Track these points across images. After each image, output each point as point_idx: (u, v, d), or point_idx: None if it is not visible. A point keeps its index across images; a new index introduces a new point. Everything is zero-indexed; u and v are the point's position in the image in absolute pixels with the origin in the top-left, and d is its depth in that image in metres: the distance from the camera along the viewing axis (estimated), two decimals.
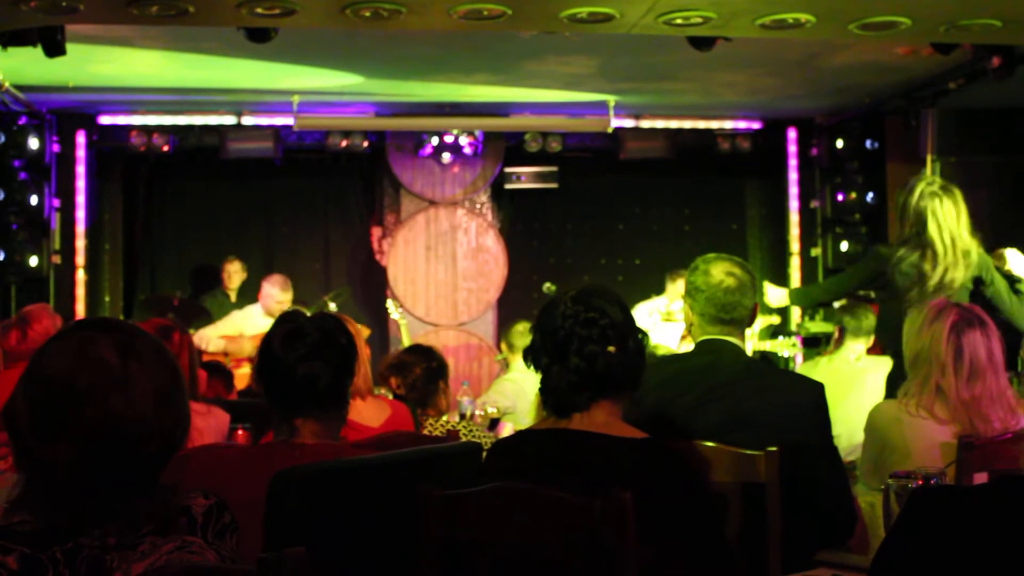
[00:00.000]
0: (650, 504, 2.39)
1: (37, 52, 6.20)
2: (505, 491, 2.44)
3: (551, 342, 2.67)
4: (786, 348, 9.27)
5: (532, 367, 2.74)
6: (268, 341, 2.86)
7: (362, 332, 8.22)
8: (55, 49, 6.17)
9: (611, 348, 2.63)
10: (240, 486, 2.54)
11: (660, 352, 5.67)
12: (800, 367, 8.65)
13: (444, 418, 5.22)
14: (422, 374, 5.09)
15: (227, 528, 1.96)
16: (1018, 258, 5.65)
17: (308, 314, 2.98)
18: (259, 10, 5.52)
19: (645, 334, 2.78)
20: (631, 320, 2.72)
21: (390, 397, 5.11)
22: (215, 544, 1.91)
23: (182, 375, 1.96)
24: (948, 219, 5.21)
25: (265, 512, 2.38)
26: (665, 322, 8.78)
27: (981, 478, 3.38)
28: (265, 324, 8.84)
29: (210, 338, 8.85)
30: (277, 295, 9.07)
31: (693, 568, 2.54)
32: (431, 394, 5.12)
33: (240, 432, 4.48)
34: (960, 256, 5.17)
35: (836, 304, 9.02)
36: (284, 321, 2.89)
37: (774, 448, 3.13)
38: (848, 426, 5.23)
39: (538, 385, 2.77)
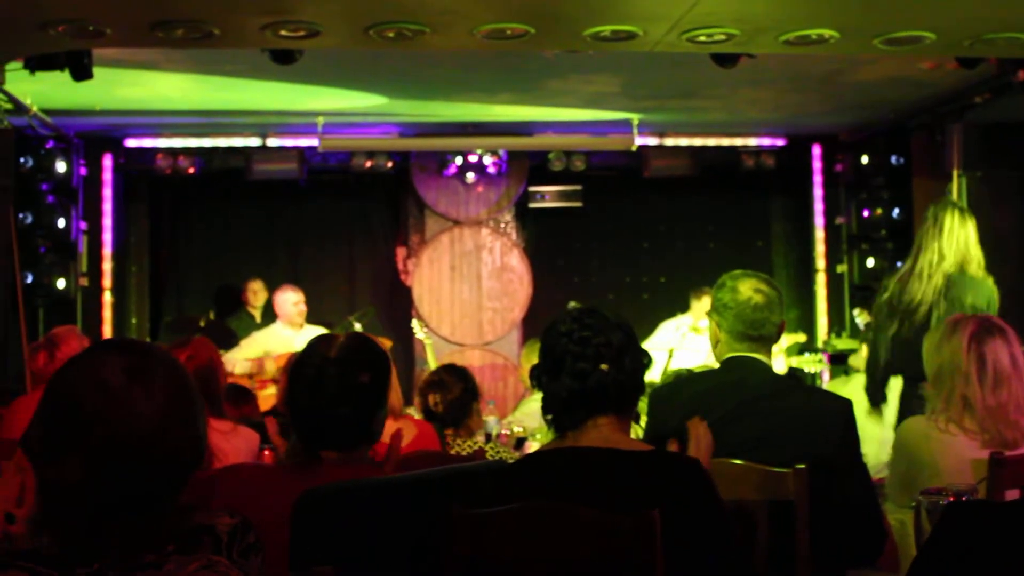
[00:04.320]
0: (661, 514, 2.37)
1: (64, 76, 6.26)
2: (533, 510, 2.43)
3: (549, 360, 2.67)
4: (812, 364, 9.23)
5: (535, 386, 2.74)
6: (292, 385, 2.82)
7: (383, 344, 8.25)
8: (82, 73, 6.22)
9: (604, 366, 2.61)
10: (267, 505, 2.54)
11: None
12: (827, 385, 8.62)
13: (472, 439, 5.21)
14: (460, 394, 5.10)
15: (252, 548, 1.94)
16: None
17: (333, 340, 2.91)
18: (283, 32, 5.54)
19: (648, 355, 2.75)
20: (630, 340, 2.69)
21: (417, 416, 5.11)
22: (240, 563, 1.90)
23: (194, 392, 1.94)
24: (951, 233, 5.17)
25: (291, 530, 2.38)
26: (693, 332, 8.77)
27: (1013, 495, 3.35)
28: (288, 339, 8.86)
29: (236, 361, 8.87)
30: (292, 297, 9.12)
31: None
32: (466, 415, 5.13)
33: (267, 452, 4.50)
34: (936, 273, 5.12)
35: (862, 321, 9.00)
36: (305, 365, 2.81)
37: (802, 465, 3.11)
38: (875, 444, 5.20)
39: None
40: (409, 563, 2.56)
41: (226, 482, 2.81)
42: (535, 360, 6.87)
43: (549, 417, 2.71)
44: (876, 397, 5.40)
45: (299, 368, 2.85)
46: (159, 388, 1.86)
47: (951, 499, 2.47)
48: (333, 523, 2.39)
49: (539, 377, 2.72)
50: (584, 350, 2.62)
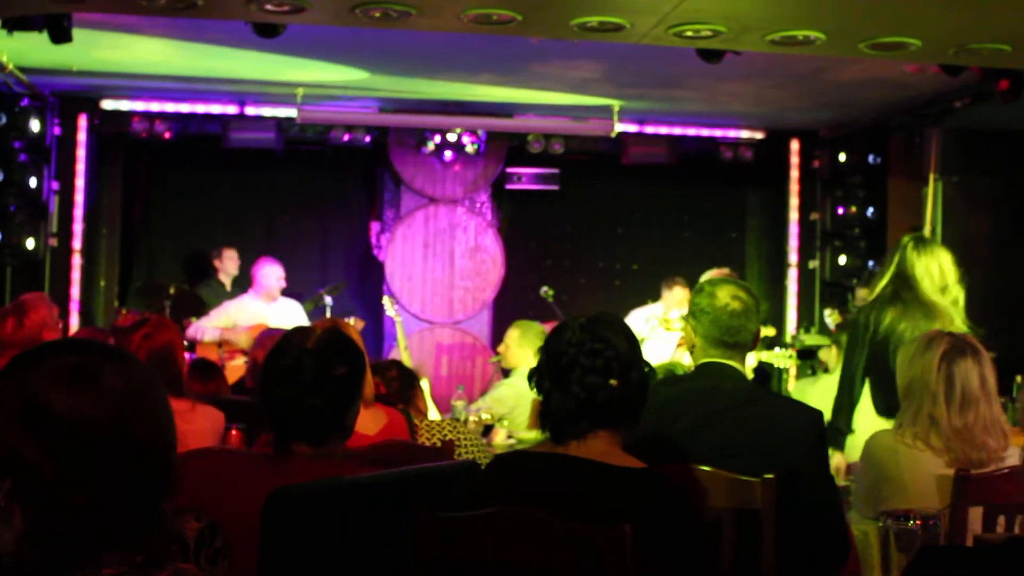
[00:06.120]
0: (645, 534, 2.38)
1: (42, 35, 6.17)
2: (506, 516, 2.43)
3: (555, 367, 2.65)
4: (782, 360, 9.27)
5: (534, 389, 2.73)
6: (267, 375, 2.82)
7: (356, 325, 8.23)
8: (61, 36, 6.14)
9: (613, 381, 2.61)
10: (238, 497, 2.53)
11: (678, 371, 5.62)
12: (795, 385, 8.66)
13: (435, 417, 5.19)
14: (397, 375, 5.11)
15: (219, 552, 1.92)
16: None
17: (310, 332, 2.90)
18: (269, 6, 5.49)
19: (651, 368, 2.76)
20: (637, 353, 2.70)
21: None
22: (208, 570, 1.87)
23: (157, 383, 1.89)
24: (934, 273, 5.08)
25: (261, 531, 2.36)
26: (661, 327, 8.77)
27: (976, 513, 3.38)
28: (259, 311, 8.82)
29: (205, 328, 8.82)
30: (276, 271, 9.07)
31: None
32: (412, 393, 5.14)
33: (234, 432, 4.44)
34: (942, 310, 5.05)
35: (832, 322, 9.04)
36: (281, 354, 2.82)
37: (771, 475, 3.12)
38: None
39: (535, 394, 2.77)
40: (382, 565, 2.55)
41: (194, 469, 2.79)
42: (527, 344, 6.85)
43: (545, 423, 2.70)
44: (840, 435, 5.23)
45: (275, 358, 2.85)
46: (153, 394, 1.83)
47: (918, 522, 2.48)
48: (304, 524, 2.38)
49: (540, 382, 2.71)
50: (595, 363, 2.62)
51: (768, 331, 9.36)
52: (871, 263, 9.72)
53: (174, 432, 1.88)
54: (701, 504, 2.64)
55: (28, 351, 1.83)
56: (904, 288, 5.07)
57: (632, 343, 2.71)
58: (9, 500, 1.73)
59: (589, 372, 2.61)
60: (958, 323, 4.96)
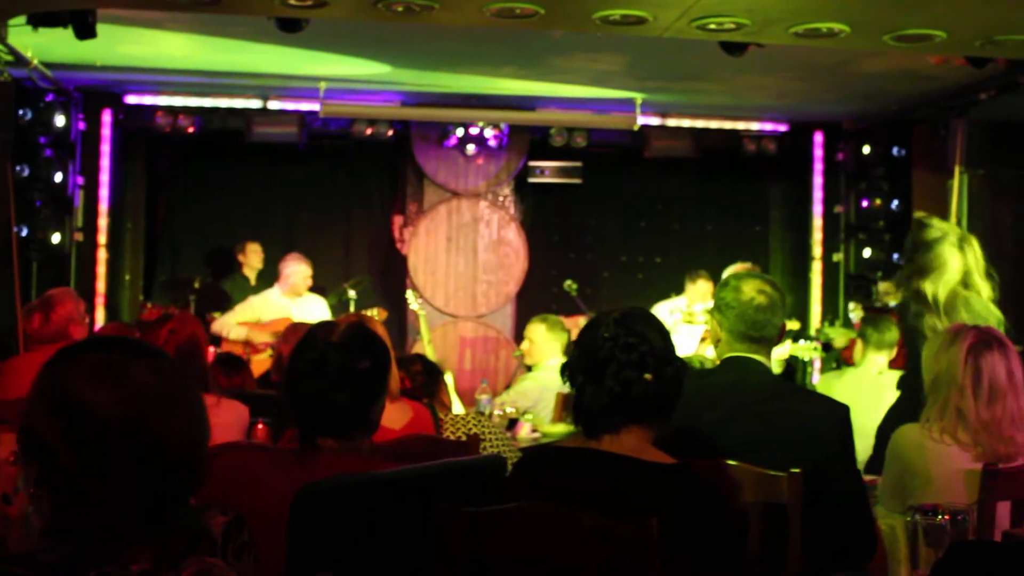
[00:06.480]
0: (676, 530, 2.38)
1: (66, 31, 6.20)
2: (532, 512, 2.43)
3: (589, 362, 2.65)
4: (808, 352, 9.24)
5: (567, 383, 2.72)
6: (292, 370, 2.83)
7: (379, 316, 8.24)
8: (86, 32, 6.17)
9: (648, 375, 2.61)
10: (266, 491, 2.54)
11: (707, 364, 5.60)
12: (821, 378, 8.63)
13: (459, 411, 5.20)
14: (422, 369, 5.13)
15: (245, 547, 1.92)
16: None
17: (335, 326, 2.91)
18: (292, 1, 5.50)
19: (684, 363, 2.75)
20: (671, 348, 2.70)
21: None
22: (234, 564, 1.88)
23: (191, 381, 1.90)
24: (956, 270, 4.97)
25: (289, 527, 2.37)
26: (686, 323, 8.76)
27: (1005, 507, 3.36)
28: (284, 307, 8.82)
29: (231, 326, 8.81)
30: (305, 270, 9.04)
31: None
32: (437, 387, 5.16)
33: (260, 426, 4.47)
34: (960, 304, 4.98)
35: (856, 316, 9.01)
36: (306, 348, 2.82)
37: (797, 469, 3.11)
38: (867, 440, 5.20)
39: (560, 382, 2.78)
40: (408, 560, 2.56)
41: (221, 464, 2.79)
42: (554, 338, 6.85)
43: (578, 417, 2.70)
44: None
45: (300, 352, 2.85)
46: (176, 380, 1.83)
47: (947, 518, 2.47)
48: (331, 520, 2.39)
49: (573, 376, 2.71)
50: (630, 357, 2.61)
51: (792, 324, 9.34)
52: (895, 256, 9.68)
53: (206, 428, 1.89)
54: (735, 499, 2.62)
55: (67, 347, 1.85)
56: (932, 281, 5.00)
57: (666, 338, 2.70)
58: (38, 487, 1.75)
59: (624, 366, 2.61)
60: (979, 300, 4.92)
